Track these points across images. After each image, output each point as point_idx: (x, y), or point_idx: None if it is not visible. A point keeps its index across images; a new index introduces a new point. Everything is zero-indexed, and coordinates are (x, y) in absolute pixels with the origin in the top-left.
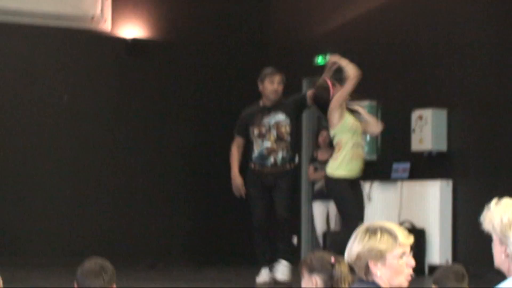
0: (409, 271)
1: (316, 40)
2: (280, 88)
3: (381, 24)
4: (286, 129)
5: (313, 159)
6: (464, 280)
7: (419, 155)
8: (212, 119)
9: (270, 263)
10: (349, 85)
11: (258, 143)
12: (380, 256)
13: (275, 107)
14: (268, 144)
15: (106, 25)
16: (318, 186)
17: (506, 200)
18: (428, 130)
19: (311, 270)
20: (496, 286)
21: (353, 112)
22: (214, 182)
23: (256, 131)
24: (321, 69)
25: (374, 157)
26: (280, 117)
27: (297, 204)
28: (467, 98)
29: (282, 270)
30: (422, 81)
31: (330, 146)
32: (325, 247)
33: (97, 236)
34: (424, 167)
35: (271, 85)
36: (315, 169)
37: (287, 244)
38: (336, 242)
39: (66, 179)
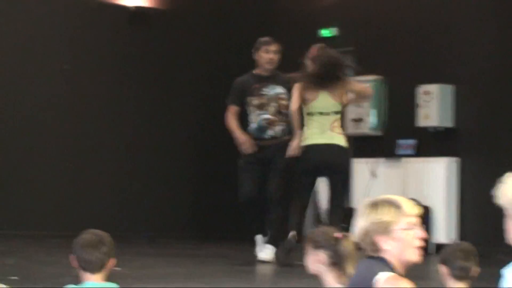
0: (419, 244)
1: (321, 13)
2: (275, 57)
3: None
4: (286, 102)
5: None
6: (472, 259)
7: (425, 131)
8: (215, 91)
9: (270, 239)
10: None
11: (256, 114)
12: (386, 229)
13: (273, 78)
14: (267, 115)
15: None
16: None
17: None
18: (434, 105)
19: (316, 246)
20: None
21: None
22: (216, 156)
23: (255, 101)
24: (325, 41)
25: (379, 133)
26: (279, 90)
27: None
28: (475, 73)
29: (265, 252)
30: (429, 55)
31: None
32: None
33: (97, 209)
34: (430, 143)
35: (267, 54)
36: None
37: (276, 229)
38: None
39: (66, 151)
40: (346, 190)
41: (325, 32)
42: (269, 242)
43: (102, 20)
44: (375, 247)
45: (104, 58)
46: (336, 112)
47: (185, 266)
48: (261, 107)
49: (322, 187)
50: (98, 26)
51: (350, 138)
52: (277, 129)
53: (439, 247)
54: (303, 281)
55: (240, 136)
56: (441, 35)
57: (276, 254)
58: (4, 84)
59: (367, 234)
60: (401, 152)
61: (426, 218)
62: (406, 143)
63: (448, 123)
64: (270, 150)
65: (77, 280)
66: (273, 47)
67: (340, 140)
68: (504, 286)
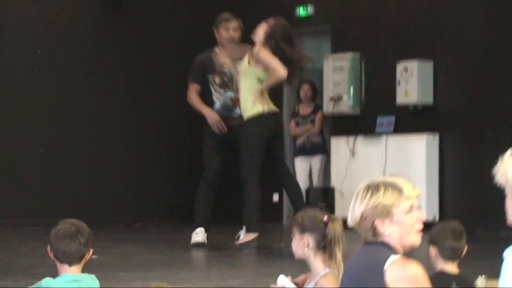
0: (420, 226)
1: None
2: (236, 35)
3: None
4: None
5: (294, 113)
6: (462, 239)
7: (405, 108)
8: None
9: (207, 223)
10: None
11: (219, 92)
12: (386, 212)
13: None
14: (231, 94)
15: None
16: (300, 141)
17: None
18: (413, 82)
19: (303, 230)
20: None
21: None
22: (193, 141)
23: (217, 80)
24: (302, 21)
25: (357, 110)
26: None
27: None
28: (454, 50)
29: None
30: (408, 32)
31: (312, 100)
32: (307, 204)
33: (74, 195)
34: (410, 120)
35: (226, 32)
36: (297, 124)
37: (248, 212)
38: None
39: (42, 138)
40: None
41: (301, 10)
42: (249, 227)
43: (75, 3)
44: (375, 232)
45: (79, 41)
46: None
47: (165, 252)
48: (224, 85)
49: (300, 167)
50: (71, 9)
51: (329, 117)
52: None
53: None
54: (286, 263)
55: (210, 114)
56: (419, 11)
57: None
58: None
59: (366, 218)
60: (380, 129)
61: None
62: (386, 120)
63: (428, 99)
64: (238, 129)
65: (54, 272)
66: (233, 24)
67: None
68: (506, 269)
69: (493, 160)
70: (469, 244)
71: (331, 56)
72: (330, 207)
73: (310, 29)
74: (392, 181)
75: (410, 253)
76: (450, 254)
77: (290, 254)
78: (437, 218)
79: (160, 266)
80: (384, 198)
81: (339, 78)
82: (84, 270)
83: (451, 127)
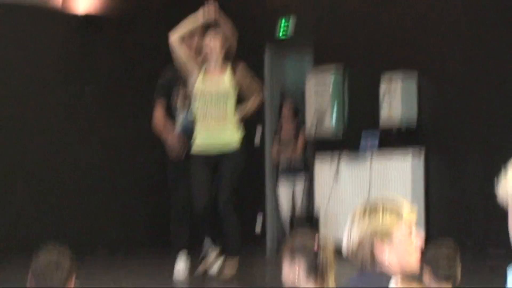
0: (419, 250)
1: (278, 3)
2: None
3: None
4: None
5: (277, 132)
6: (457, 259)
7: (388, 124)
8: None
9: (189, 247)
10: None
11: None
12: (386, 237)
13: None
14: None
15: (56, 0)
16: (282, 165)
17: None
18: (397, 98)
19: (293, 253)
20: None
21: None
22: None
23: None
24: (283, 35)
25: (341, 130)
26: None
27: (261, 184)
28: (438, 64)
29: (228, 264)
30: (391, 45)
31: (294, 119)
32: (291, 229)
33: (56, 223)
34: (394, 137)
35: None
36: (279, 150)
37: (232, 238)
38: None
39: (21, 165)
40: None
41: (283, 24)
42: (231, 253)
43: (51, 29)
44: (373, 260)
45: (54, 67)
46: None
47: (152, 278)
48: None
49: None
50: (48, 34)
51: (312, 137)
52: None
53: None
54: None
55: (170, 138)
56: (402, 23)
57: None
58: None
59: (364, 244)
60: (364, 147)
61: None
62: (369, 136)
63: (412, 115)
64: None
65: None
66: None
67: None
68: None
69: (479, 176)
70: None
71: (314, 71)
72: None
73: (291, 43)
74: (390, 202)
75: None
76: (445, 275)
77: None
78: (422, 235)
79: None
80: (383, 221)
81: (321, 96)
82: None
83: (437, 143)
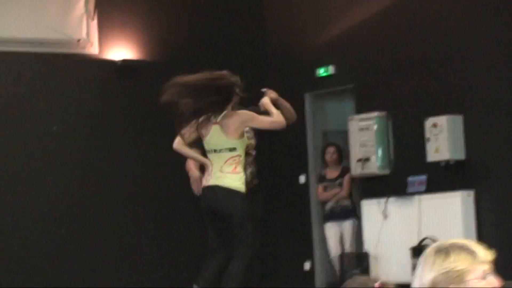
0: None
1: (317, 52)
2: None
3: (385, 29)
4: (253, 141)
5: (321, 178)
6: None
7: (436, 165)
8: None
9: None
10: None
11: None
12: (459, 279)
13: None
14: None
15: (93, 48)
16: (328, 206)
17: None
18: (444, 138)
19: None
20: None
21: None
22: None
23: None
24: (323, 81)
25: (387, 171)
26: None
27: (308, 227)
28: (483, 102)
29: None
30: (434, 87)
31: (339, 163)
32: (341, 271)
33: (81, 269)
34: (442, 178)
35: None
36: (325, 188)
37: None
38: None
39: (59, 215)
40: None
41: (322, 71)
42: None
43: (89, 76)
44: None
45: (93, 114)
46: (231, 149)
47: None
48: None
49: (331, 233)
50: (85, 81)
51: (357, 179)
52: (247, 172)
53: None
54: None
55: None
56: (446, 65)
57: None
58: None
59: (437, 286)
60: (412, 189)
61: None
62: (417, 180)
63: (460, 155)
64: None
65: None
66: None
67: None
68: None
69: None
70: None
71: (356, 116)
72: (365, 273)
73: (332, 89)
74: (463, 244)
75: None
76: None
77: None
78: (500, 280)
79: None
80: (456, 263)
81: (365, 139)
82: None
83: (487, 183)
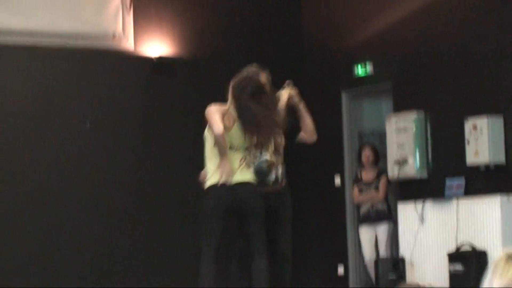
0: None
1: (354, 49)
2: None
3: (425, 27)
4: (281, 140)
5: (357, 180)
6: None
7: (475, 169)
8: None
9: None
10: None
11: (254, 155)
12: None
13: None
14: (267, 156)
15: (129, 43)
16: (364, 209)
17: None
18: (484, 141)
19: None
20: None
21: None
22: None
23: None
24: (361, 80)
25: (425, 174)
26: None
27: (343, 229)
28: None
29: None
30: (474, 87)
31: (375, 164)
32: (377, 276)
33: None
34: (481, 182)
35: None
36: (360, 191)
37: None
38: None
39: (94, 214)
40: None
41: (360, 69)
42: None
43: (124, 72)
44: None
45: (128, 111)
46: (246, 148)
47: None
48: (258, 146)
49: (365, 236)
50: (120, 77)
51: (395, 181)
52: (279, 172)
53: None
54: None
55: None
56: (486, 63)
57: None
58: (22, 145)
59: None
60: (450, 192)
61: (482, 263)
62: (455, 183)
63: (500, 159)
64: (274, 197)
65: None
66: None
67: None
68: None
69: None
70: None
71: (394, 116)
72: (400, 279)
73: (369, 88)
74: None
75: None
76: None
77: None
78: None
79: None
80: None
81: (403, 140)
82: None
83: None
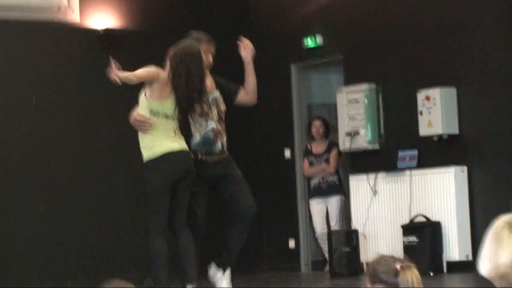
0: None
1: (304, 21)
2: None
3: None
4: (223, 107)
5: (307, 152)
6: None
7: (428, 140)
8: None
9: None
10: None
11: (200, 124)
12: None
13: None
14: (212, 124)
15: (74, 16)
16: (314, 182)
17: None
18: (437, 111)
19: (373, 280)
20: None
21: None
22: None
23: (197, 108)
24: (311, 52)
25: (377, 145)
26: (216, 93)
27: (293, 203)
28: (478, 74)
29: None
30: (426, 58)
31: (325, 137)
32: (330, 249)
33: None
34: (434, 153)
35: (208, 57)
36: (311, 163)
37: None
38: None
39: (39, 188)
40: None
41: (309, 41)
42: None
43: (70, 45)
44: None
45: (74, 83)
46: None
47: None
48: (205, 114)
49: (316, 209)
50: (66, 50)
51: (346, 154)
52: (224, 140)
53: (451, 265)
54: None
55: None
56: (439, 35)
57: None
58: None
59: None
60: (403, 164)
61: (436, 234)
62: (408, 154)
63: (453, 129)
64: (221, 166)
65: None
66: (213, 50)
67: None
68: None
69: None
70: None
71: (345, 88)
72: (354, 252)
73: (319, 60)
74: None
75: None
76: None
77: None
78: (470, 257)
79: None
80: None
81: (354, 112)
82: None
83: (480, 158)
